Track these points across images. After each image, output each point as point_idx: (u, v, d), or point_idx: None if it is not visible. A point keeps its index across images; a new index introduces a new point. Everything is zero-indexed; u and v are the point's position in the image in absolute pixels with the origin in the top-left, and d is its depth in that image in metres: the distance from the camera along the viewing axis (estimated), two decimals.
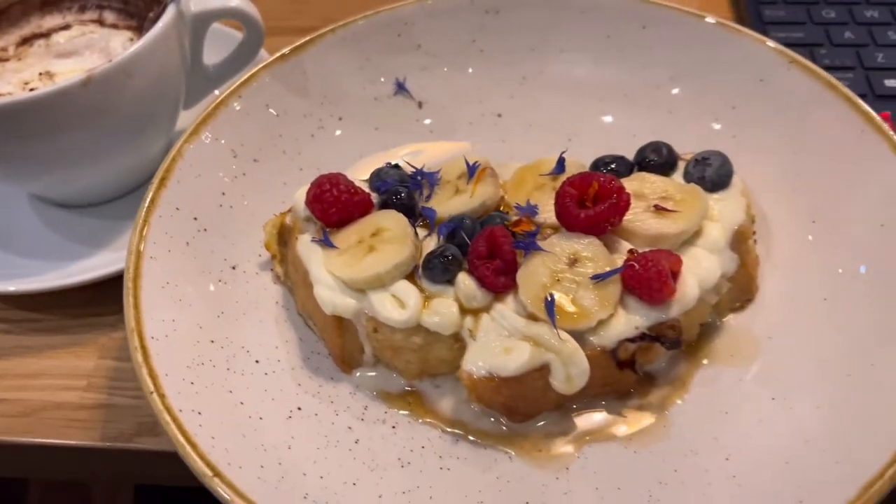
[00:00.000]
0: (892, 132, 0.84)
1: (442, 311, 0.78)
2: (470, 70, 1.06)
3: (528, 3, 1.05)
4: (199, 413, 0.71)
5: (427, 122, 1.05)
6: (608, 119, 1.04)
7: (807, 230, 0.88)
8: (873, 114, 0.86)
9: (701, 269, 0.80)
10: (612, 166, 0.89)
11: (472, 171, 0.88)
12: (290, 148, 0.99)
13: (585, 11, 1.04)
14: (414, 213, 0.86)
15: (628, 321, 0.76)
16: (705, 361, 0.83)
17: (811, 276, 0.85)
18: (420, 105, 1.06)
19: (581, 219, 0.79)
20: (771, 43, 0.95)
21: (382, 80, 1.05)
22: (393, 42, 1.05)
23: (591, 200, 0.80)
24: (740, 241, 0.84)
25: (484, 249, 0.79)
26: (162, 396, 0.69)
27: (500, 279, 0.78)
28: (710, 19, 0.99)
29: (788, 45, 0.95)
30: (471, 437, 0.79)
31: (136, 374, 0.71)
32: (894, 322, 0.75)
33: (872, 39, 1.16)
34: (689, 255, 0.81)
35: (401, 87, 1.05)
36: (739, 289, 0.86)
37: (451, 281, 0.80)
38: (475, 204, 0.85)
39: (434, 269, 0.79)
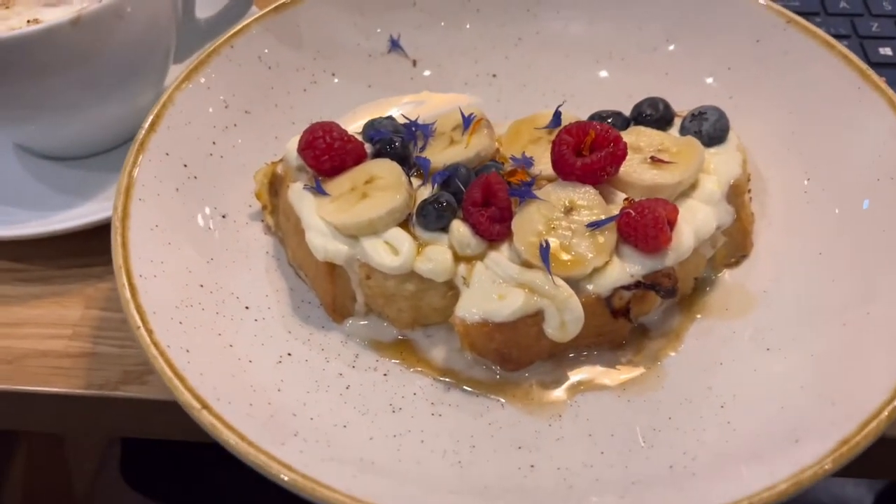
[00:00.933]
0: (888, 88, 0.84)
1: (436, 257, 0.77)
2: (465, 29, 1.05)
3: None
4: (188, 351, 0.69)
5: (421, 80, 1.04)
6: (604, 80, 1.03)
7: (802, 187, 0.88)
8: (870, 71, 0.86)
9: (697, 220, 0.79)
10: (609, 121, 0.88)
11: (468, 123, 0.87)
12: (282, 101, 0.98)
13: None
14: (408, 163, 0.85)
15: (623, 269, 0.76)
16: (699, 316, 0.83)
17: (806, 232, 0.84)
18: (414, 63, 1.05)
19: (577, 167, 0.78)
20: (769, 3, 0.95)
21: (377, 36, 1.04)
22: None
23: (588, 149, 0.79)
24: (736, 194, 0.84)
25: (479, 196, 0.78)
26: (150, 332, 0.68)
27: (494, 226, 0.77)
28: None
29: None
30: (463, 386, 0.78)
31: (123, 311, 0.70)
32: (889, 272, 0.75)
33: (867, 9, 1.16)
34: (685, 207, 0.80)
35: (395, 45, 1.04)
36: (735, 244, 0.86)
37: (444, 228, 0.79)
38: (470, 154, 0.84)
39: (428, 216, 0.78)
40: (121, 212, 0.76)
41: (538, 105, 1.00)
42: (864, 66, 0.87)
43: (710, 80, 0.99)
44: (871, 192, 0.81)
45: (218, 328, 0.76)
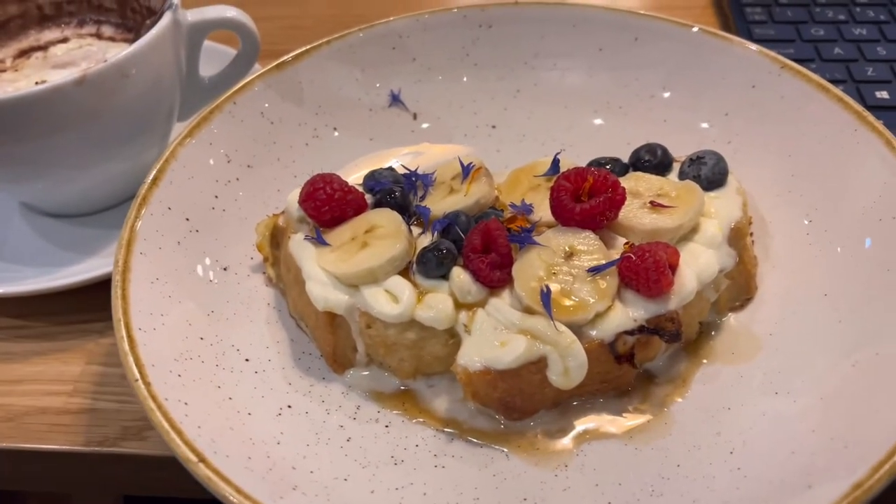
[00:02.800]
0: (885, 129, 0.85)
1: (436, 305, 0.76)
2: (464, 82, 1.07)
3: (520, 18, 1.07)
4: (186, 404, 0.68)
5: (422, 132, 1.05)
6: (602, 128, 1.04)
7: (804, 229, 0.87)
8: (866, 112, 0.87)
9: (699, 263, 0.79)
10: (607, 167, 0.89)
11: (467, 172, 0.88)
12: (284, 155, 0.99)
13: (577, 25, 1.06)
14: (408, 212, 0.85)
15: (626, 313, 0.75)
16: (705, 361, 0.82)
17: (811, 274, 0.84)
18: (415, 116, 1.06)
19: (576, 212, 0.78)
20: (763, 50, 0.96)
21: (377, 91, 1.06)
22: (388, 54, 1.06)
23: (587, 195, 0.79)
24: (738, 237, 0.83)
25: (478, 243, 0.78)
26: (147, 385, 0.67)
27: (495, 273, 0.77)
28: (701, 29, 1.00)
29: None
30: (466, 437, 0.77)
31: (122, 364, 0.69)
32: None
33: (861, 55, 1.17)
34: (686, 250, 0.80)
35: (395, 99, 1.06)
36: (738, 287, 0.85)
37: (445, 276, 0.78)
38: (470, 202, 0.85)
39: (428, 264, 0.78)
40: (121, 265, 0.76)
41: (538, 155, 1.00)
42: (859, 107, 0.87)
43: (708, 126, 1.00)
44: (873, 231, 0.81)
45: (217, 381, 0.76)
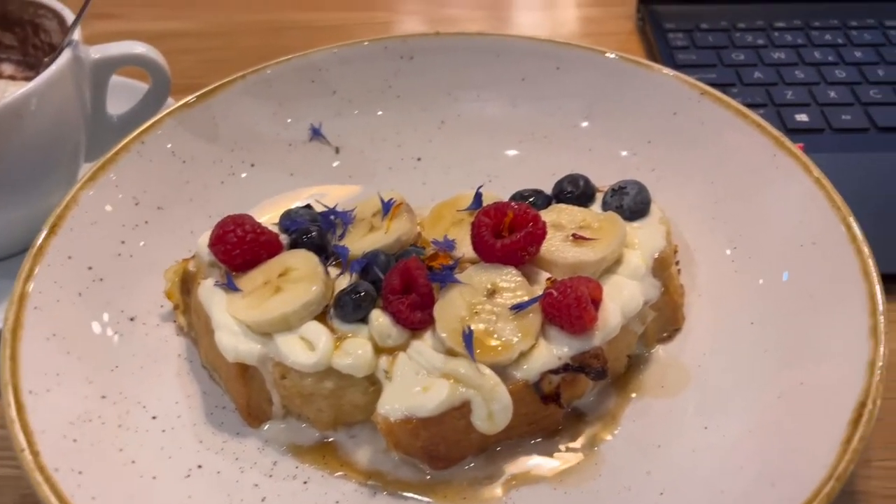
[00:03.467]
0: (802, 154, 0.85)
1: (354, 351, 0.73)
2: (387, 114, 1.05)
3: (442, 49, 1.05)
4: (80, 473, 0.63)
5: (345, 167, 1.02)
6: (527, 159, 1.02)
7: (729, 257, 0.87)
8: (784, 137, 0.87)
9: (623, 297, 0.77)
10: (531, 200, 0.87)
11: (388, 208, 0.85)
12: (198, 195, 0.94)
13: (500, 55, 1.04)
14: (326, 252, 0.82)
15: (550, 352, 0.73)
16: (634, 395, 0.80)
17: (737, 302, 0.83)
18: (337, 150, 1.03)
19: (497, 248, 0.76)
20: (682, 76, 0.96)
21: (297, 125, 1.02)
22: (307, 88, 1.03)
23: (507, 230, 0.77)
24: (662, 267, 0.82)
25: (398, 284, 0.75)
26: (35, 454, 0.62)
27: (415, 314, 0.74)
28: (619, 56, 1.00)
29: None
30: (390, 489, 0.73)
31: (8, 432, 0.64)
32: (819, 339, 0.73)
33: (781, 78, 1.19)
34: (610, 283, 0.78)
35: (316, 133, 1.03)
36: (665, 318, 0.84)
37: (364, 319, 0.75)
38: (390, 240, 0.82)
39: (345, 307, 0.75)
40: (11, 323, 0.71)
41: (464, 187, 0.97)
42: (777, 132, 0.87)
43: (631, 154, 0.99)
44: (795, 257, 0.80)
45: (119, 443, 0.71)
